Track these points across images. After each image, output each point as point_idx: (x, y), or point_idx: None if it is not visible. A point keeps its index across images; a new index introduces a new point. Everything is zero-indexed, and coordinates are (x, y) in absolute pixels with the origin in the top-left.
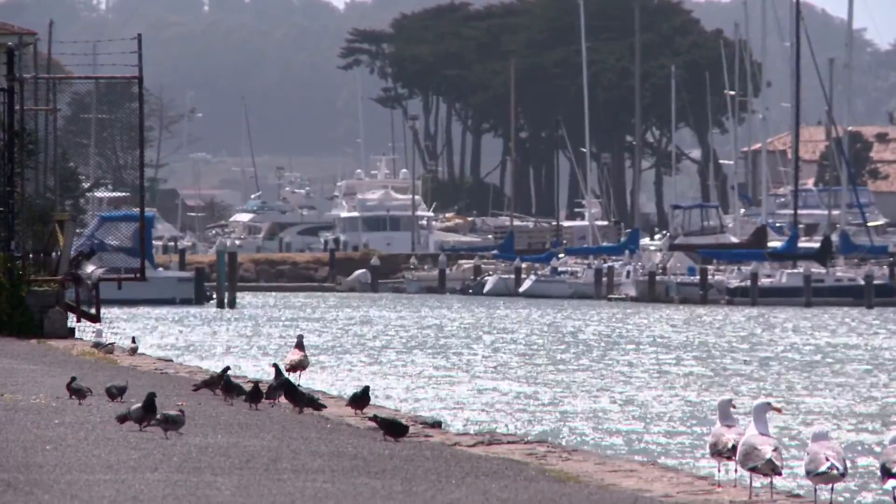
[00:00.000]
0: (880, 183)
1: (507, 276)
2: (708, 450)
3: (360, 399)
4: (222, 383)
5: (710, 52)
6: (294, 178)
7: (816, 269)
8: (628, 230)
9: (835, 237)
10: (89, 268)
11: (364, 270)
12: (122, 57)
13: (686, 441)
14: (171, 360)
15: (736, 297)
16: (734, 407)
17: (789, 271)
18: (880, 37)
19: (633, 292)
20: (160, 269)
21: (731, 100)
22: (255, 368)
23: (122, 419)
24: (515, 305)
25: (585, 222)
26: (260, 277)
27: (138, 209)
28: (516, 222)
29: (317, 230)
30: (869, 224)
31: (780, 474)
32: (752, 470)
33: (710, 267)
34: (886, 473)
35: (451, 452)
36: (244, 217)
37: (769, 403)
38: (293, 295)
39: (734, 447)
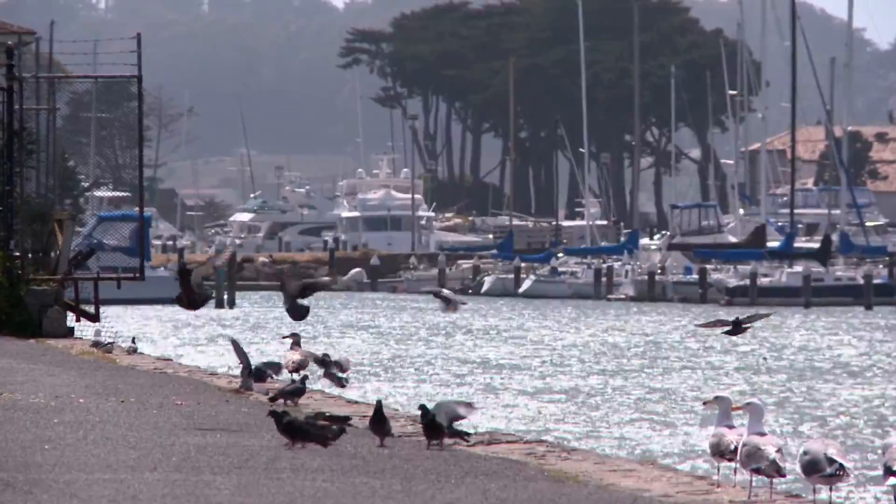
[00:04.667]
0: (879, 183)
1: (505, 276)
2: (709, 450)
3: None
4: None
5: (710, 52)
6: (294, 178)
7: (816, 269)
8: (627, 230)
9: (834, 237)
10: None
11: (360, 269)
12: (122, 56)
13: (687, 441)
14: (171, 360)
15: (735, 296)
16: (735, 408)
17: (789, 271)
18: (880, 36)
19: (631, 292)
20: (161, 268)
21: (731, 99)
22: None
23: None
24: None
25: (585, 222)
26: (259, 277)
27: (136, 209)
28: (516, 222)
29: (317, 230)
30: (867, 224)
31: (783, 475)
32: (756, 471)
33: (708, 266)
34: (889, 472)
35: (450, 452)
36: (244, 216)
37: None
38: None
39: (735, 448)
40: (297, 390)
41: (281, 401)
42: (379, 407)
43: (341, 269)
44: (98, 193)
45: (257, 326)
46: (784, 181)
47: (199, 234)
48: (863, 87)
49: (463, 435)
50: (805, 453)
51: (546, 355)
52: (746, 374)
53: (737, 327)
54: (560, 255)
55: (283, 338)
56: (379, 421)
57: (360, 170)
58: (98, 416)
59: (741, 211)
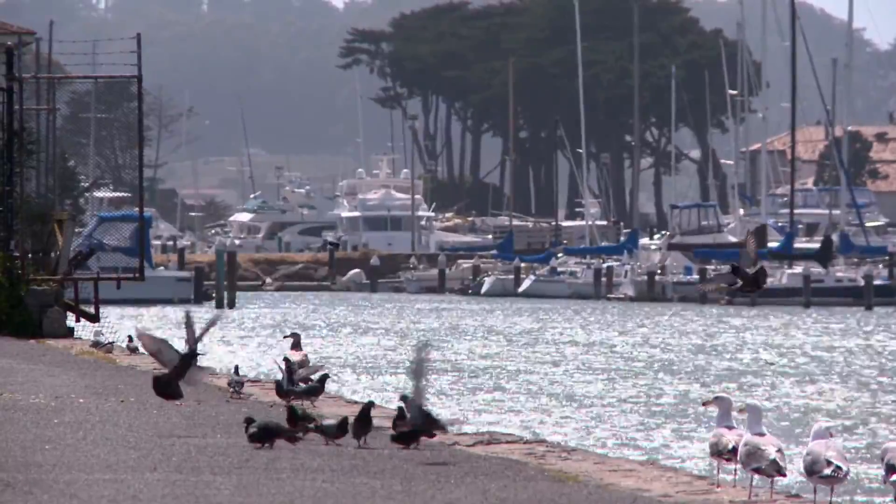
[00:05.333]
0: (880, 183)
1: (504, 276)
2: (708, 450)
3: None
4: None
5: (710, 52)
6: (294, 178)
7: (816, 270)
8: (627, 230)
9: (834, 237)
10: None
11: (358, 270)
12: (122, 56)
13: (687, 441)
14: None
15: (735, 297)
16: (738, 411)
17: (789, 271)
18: (880, 36)
19: (631, 292)
20: (161, 268)
21: (731, 99)
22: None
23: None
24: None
25: (584, 222)
26: (259, 277)
27: (136, 209)
28: (515, 222)
29: (317, 230)
30: (867, 224)
31: (784, 475)
32: (756, 471)
33: (709, 267)
34: (891, 470)
35: (450, 452)
36: (244, 216)
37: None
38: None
39: (734, 448)
40: (312, 389)
41: (299, 401)
42: (365, 408)
43: (341, 270)
44: (98, 194)
45: (257, 326)
46: (784, 181)
47: (199, 235)
48: (863, 87)
49: (432, 430)
50: (808, 454)
51: (544, 355)
52: (748, 375)
53: (741, 275)
54: (560, 255)
55: (284, 338)
56: (360, 421)
57: (360, 170)
58: (98, 416)
59: (741, 211)
